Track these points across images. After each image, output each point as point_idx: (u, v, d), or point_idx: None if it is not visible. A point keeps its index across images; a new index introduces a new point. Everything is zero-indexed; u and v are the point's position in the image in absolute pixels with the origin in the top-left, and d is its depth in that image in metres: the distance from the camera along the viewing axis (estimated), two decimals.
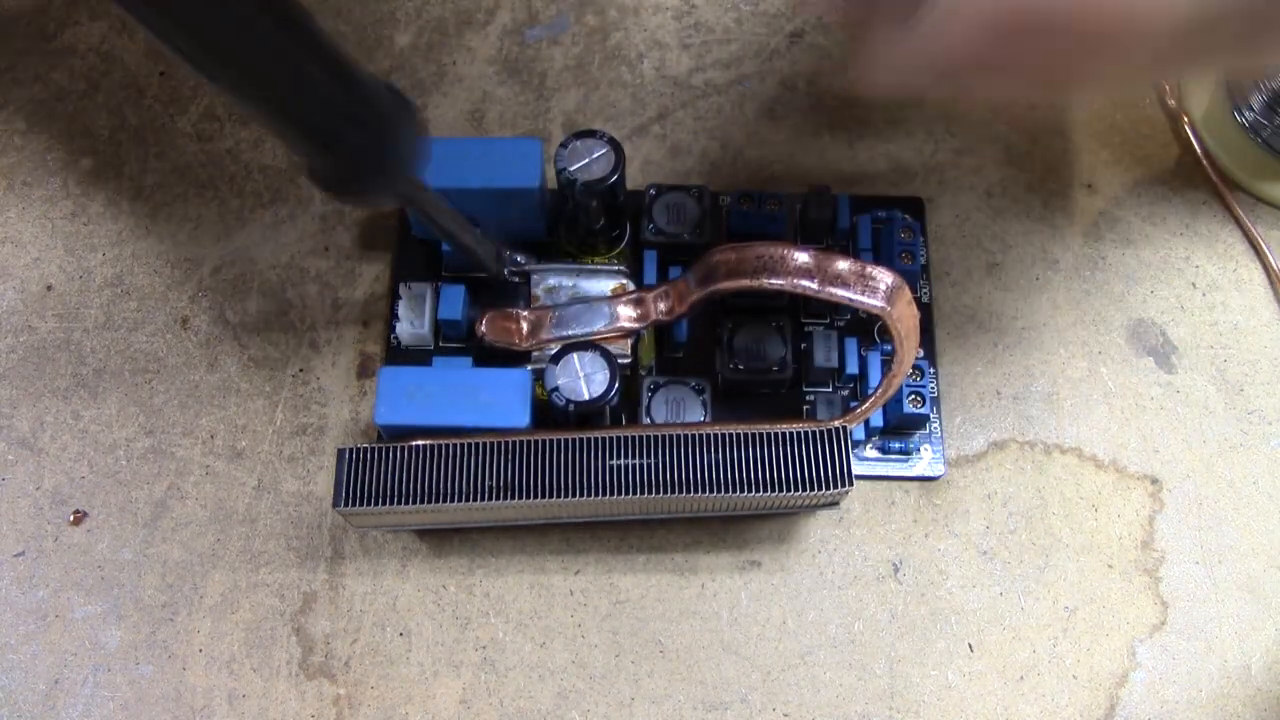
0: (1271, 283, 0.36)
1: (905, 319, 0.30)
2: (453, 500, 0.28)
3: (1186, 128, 0.38)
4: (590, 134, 0.32)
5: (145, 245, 0.36)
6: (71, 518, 0.33)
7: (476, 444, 0.28)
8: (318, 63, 0.23)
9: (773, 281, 0.30)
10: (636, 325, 0.32)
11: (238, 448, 0.34)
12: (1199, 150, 0.38)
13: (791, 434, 0.29)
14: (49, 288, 0.36)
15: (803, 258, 0.30)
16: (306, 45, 0.22)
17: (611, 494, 0.28)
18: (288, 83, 0.22)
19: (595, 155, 0.32)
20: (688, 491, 0.28)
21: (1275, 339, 0.35)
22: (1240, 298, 0.36)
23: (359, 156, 0.24)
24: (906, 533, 0.33)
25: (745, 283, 0.31)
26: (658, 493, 0.28)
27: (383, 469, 0.28)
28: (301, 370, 0.35)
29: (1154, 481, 0.34)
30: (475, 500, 0.28)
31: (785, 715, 0.31)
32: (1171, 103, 0.38)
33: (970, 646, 0.32)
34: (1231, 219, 0.37)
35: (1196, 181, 0.38)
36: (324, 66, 0.23)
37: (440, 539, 0.33)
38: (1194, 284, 0.36)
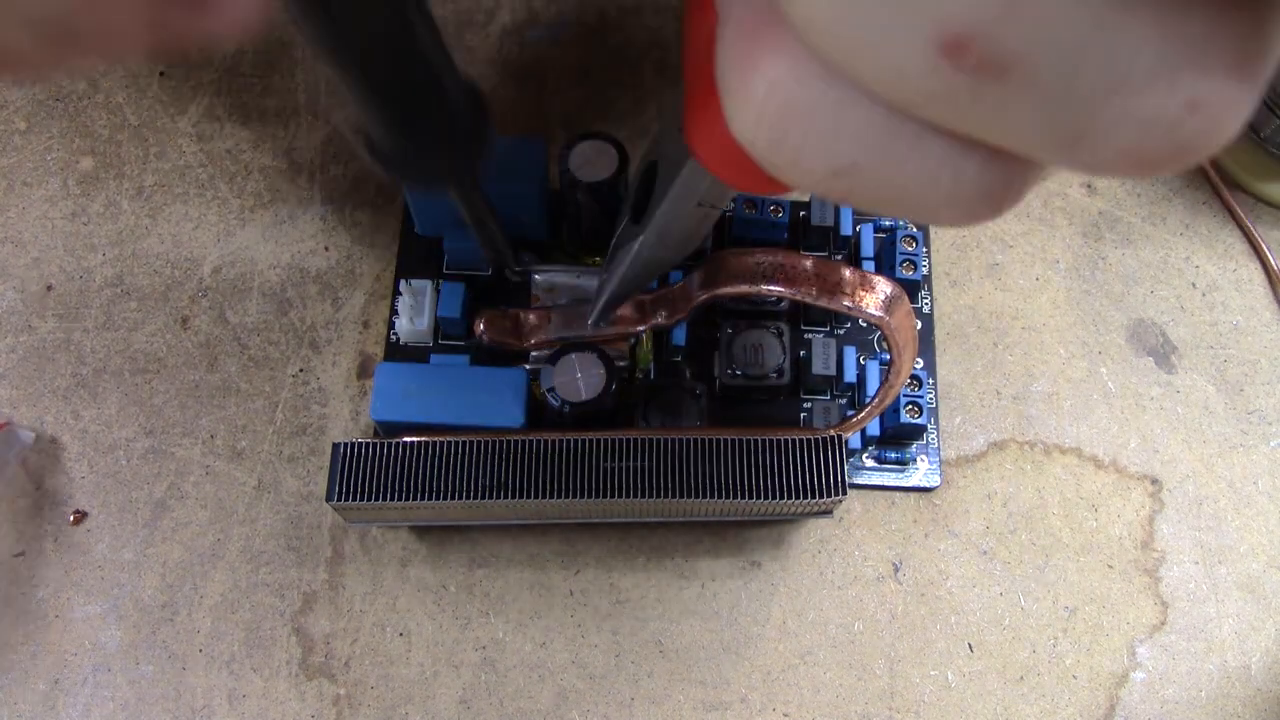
0: (1271, 283, 0.36)
1: (904, 329, 0.30)
2: (446, 497, 0.28)
3: None
4: (594, 135, 0.32)
5: (145, 245, 0.36)
6: (71, 518, 0.33)
7: (471, 442, 0.28)
8: (429, 50, 0.23)
9: (773, 288, 0.30)
10: (635, 328, 0.32)
11: (238, 448, 0.34)
12: None
13: (786, 441, 0.29)
14: (49, 288, 0.36)
15: (804, 265, 0.30)
16: (424, 31, 0.23)
17: (605, 496, 0.28)
18: (398, 66, 0.22)
19: (599, 157, 0.32)
20: (680, 496, 0.28)
21: (1275, 339, 0.35)
22: (1240, 298, 0.36)
23: (438, 143, 0.25)
24: (906, 533, 0.33)
25: (745, 288, 0.31)
26: (651, 496, 0.28)
27: (377, 464, 0.28)
28: (301, 370, 0.35)
29: (1154, 481, 0.34)
30: (468, 498, 0.28)
31: (785, 715, 0.31)
32: None
33: (970, 646, 0.32)
34: (1231, 219, 0.37)
35: (1196, 181, 0.38)
36: (433, 55, 0.23)
37: (440, 539, 0.33)
38: (1194, 284, 0.36)
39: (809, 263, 0.30)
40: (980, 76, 0.12)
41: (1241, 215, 0.37)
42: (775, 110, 0.15)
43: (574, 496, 0.28)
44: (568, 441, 0.29)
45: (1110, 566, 0.33)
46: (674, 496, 0.28)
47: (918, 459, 0.33)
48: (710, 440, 0.29)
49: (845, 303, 0.30)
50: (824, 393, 0.34)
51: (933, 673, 0.31)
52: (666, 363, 0.34)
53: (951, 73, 0.12)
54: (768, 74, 0.15)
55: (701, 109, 0.19)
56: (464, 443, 0.28)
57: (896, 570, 0.32)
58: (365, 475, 0.28)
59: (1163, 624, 0.32)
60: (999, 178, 0.14)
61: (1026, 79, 0.12)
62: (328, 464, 0.33)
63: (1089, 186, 0.37)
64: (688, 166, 0.23)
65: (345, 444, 0.28)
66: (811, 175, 0.15)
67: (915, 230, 0.35)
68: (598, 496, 0.28)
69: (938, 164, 0.14)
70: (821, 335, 0.34)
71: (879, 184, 0.15)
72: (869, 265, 0.35)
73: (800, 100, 0.14)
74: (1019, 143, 0.13)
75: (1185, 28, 0.12)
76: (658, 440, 0.29)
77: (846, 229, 0.35)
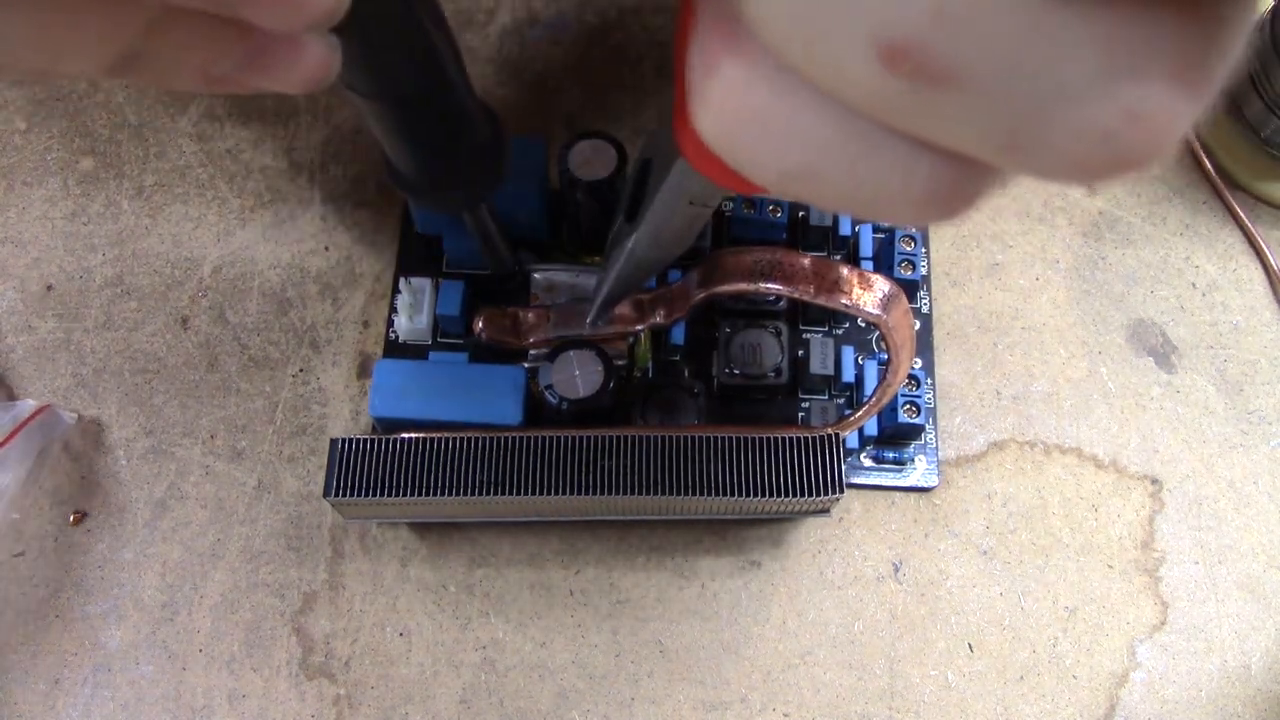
0: (1271, 283, 0.36)
1: (901, 328, 0.30)
2: (443, 493, 0.28)
3: None
4: (594, 135, 0.32)
5: (145, 245, 0.36)
6: (71, 518, 0.33)
7: (468, 438, 0.28)
8: (461, 95, 0.24)
9: (771, 286, 0.30)
10: (634, 327, 0.32)
11: (238, 448, 0.34)
12: (1199, 150, 0.38)
13: (783, 440, 0.29)
14: (49, 288, 0.36)
15: (801, 263, 0.30)
16: (454, 73, 0.24)
17: (601, 494, 0.28)
18: (433, 112, 0.24)
19: (598, 156, 0.32)
20: (677, 494, 0.28)
21: (1275, 339, 0.35)
22: (1240, 298, 0.36)
23: (461, 175, 0.26)
24: (906, 532, 0.33)
25: (744, 286, 0.30)
26: (648, 494, 0.28)
27: (375, 460, 0.28)
28: (301, 370, 0.35)
29: (1154, 481, 0.34)
30: (466, 494, 0.28)
31: (785, 715, 0.31)
32: None
33: (970, 646, 0.32)
34: (1231, 219, 0.37)
35: (1196, 181, 0.38)
36: (463, 98, 0.24)
37: (440, 539, 0.33)
38: (1194, 284, 0.36)
39: (807, 261, 0.30)
40: (917, 82, 0.12)
41: (1241, 215, 0.37)
42: (731, 110, 0.15)
43: (571, 494, 0.28)
44: (565, 439, 0.29)
45: (1110, 566, 0.33)
46: (671, 494, 0.28)
47: (916, 459, 0.33)
48: (708, 439, 0.29)
49: (843, 300, 0.30)
50: (822, 392, 0.34)
51: (933, 673, 0.31)
52: (665, 361, 0.34)
53: (890, 77, 0.12)
54: (725, 74, 0.15)
55: (682, 108, 0.19)
56: (462, 439, 0.28)
57: (896, 570, 0.32)
58: (363, 471, 0.28)
59: (1163, 624, 0.32)
60: (951, 180, 0.15)
61: (962, 86, 0.12)
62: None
63: (1089, 186, 0.37)
64: (678, 165, 0.23)
65: (343, 440, 0.28)
66: (767, 174, 0.16)
67: (914, 231, 0.35)
68: (595, 494, 0.28)
69: (889, 166, 0.14)
70: (820, 335, 0.34)
71: (833, 185, 0.15)
72: (868, 265, 0.35)
73: (754, 102, 0.15)
74: (960, 146, 0.14)
75: (1125, 38, 0.12)
76: (655, 438, 0.29)
77: (845, 229, 0.35)
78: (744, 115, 0.15)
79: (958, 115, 0.13)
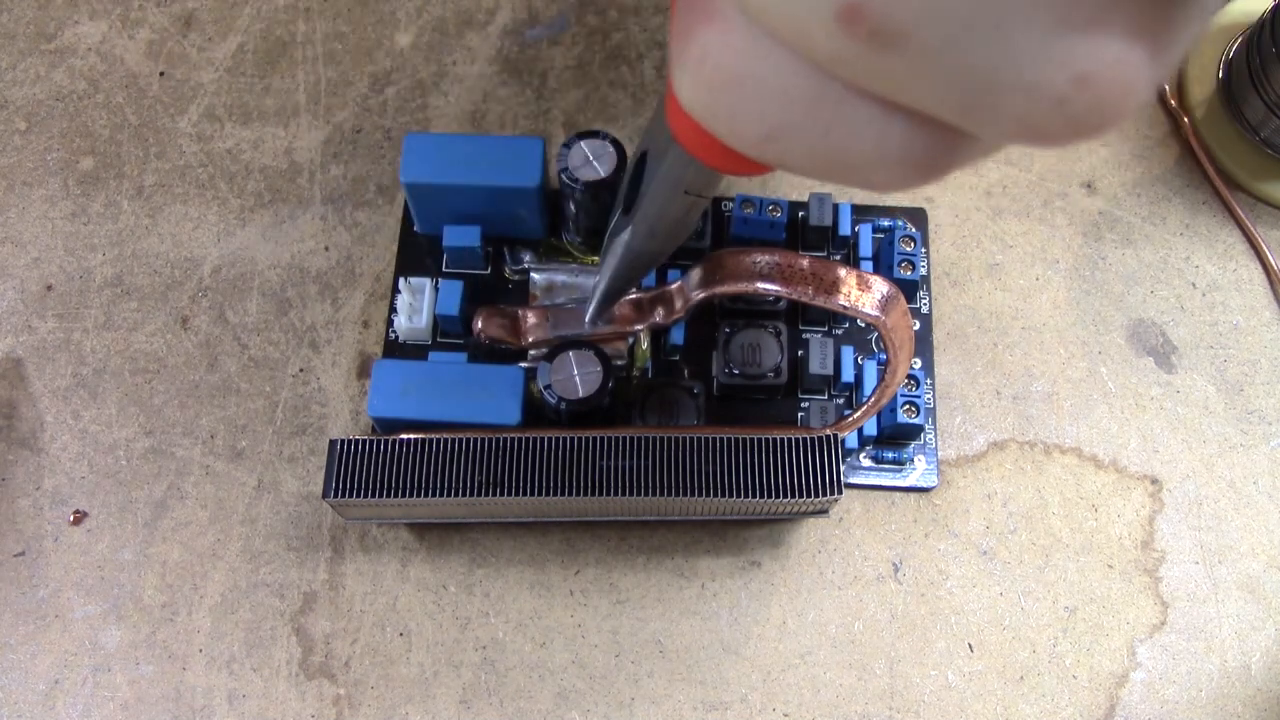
0: (1271, 283, 0.36)
1: (900, 329, 0.30)
2: (442, 494, 0.28)
3: (1186, 128, 0.38)
4: (593, 134, 0.32)
5: (145, 245, 0.36)
6: (71, 518, 0.33)
7: (467, 439, 0.28)
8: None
9: (769, 286, 0.30)
10: (633, 327, 0.32)
11: (238, 448, 0.34)
12: (1199, 150, 0.38)
13: (782, 441, 0.29)
14: (49, 288, 0.36)
15: (800, 264, 0.30)
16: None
17: (600, 494, 0.28)
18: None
19: (598, 155, 0.32)
20: (676, 494, 0.28)
21: (1275, 339, 0.35)
22: (1240, 298, 0.36)
23: None
24: (906, 532, 0.33)
25: (743, 287, 0.30)
26: (646, 494, 0.28)
27: (373, 460, 0.28)
28: (301, 370, 0.35)
29: (1154, 481, 0.34)
30: (464, 495, 0.28)
31: (785, 715, 0.31)
32: (1172, 102, 0.38)
33: (970, 646, 0.32)
34: (1231, 219, 0.37)
35: (1196, 181, 0.38)
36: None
37: (440, 539, 0.33)
38: (1194, 284, 0.36)
39: (805, 262, 0.30)
40: (873, 44, 0.13)
41: (1241, 215, 0.37)
42: (708, 75, 0.16)
43: (570, 494, 0.28)
44: (564, 439, 0.29)
45: (1110, 566, 0.33)
46: (670, 495, 0.28)
47: (915, 459, 0.33)
48: (707, 439, 0.29)
49: (841, 302, 0.30)
50: (821, 392, 0.34)
51: (933, 673, 0.31)
52: (664, 362, 0.34)
53: (849, 38, 0.13)
54: (701, 40, 0.15)
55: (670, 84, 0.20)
56: (461, 440, 0.28)
57: (896, 570, 0.32)
58: (362, 472, 0.28)
59: (1163, 624, 0.32)
60: (925, 142, 0.15)
61: (915, 49, 0.12)
62: None
63: (1089, 186, 0.37)
64: (672, 151, 0.23)
65: (342, 440, 0.28)
66: (747, 139, 0.16)
67: (913, 230, 0.35)
68: (594, 495, 0.28)
69: (862, 127, 0.15)
70: (819, 335, 0.34)
71: (810, 146, 0.16)
72: (867, 265, 0.35)
73: (730, 65, 0.15)
74: (921, 107, 0.14)
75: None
76: (654, 439, 0.29)
77: (845, 229, 0.35)
78: (721, 78, 0.16)
79: (914, 77, 0.13)
